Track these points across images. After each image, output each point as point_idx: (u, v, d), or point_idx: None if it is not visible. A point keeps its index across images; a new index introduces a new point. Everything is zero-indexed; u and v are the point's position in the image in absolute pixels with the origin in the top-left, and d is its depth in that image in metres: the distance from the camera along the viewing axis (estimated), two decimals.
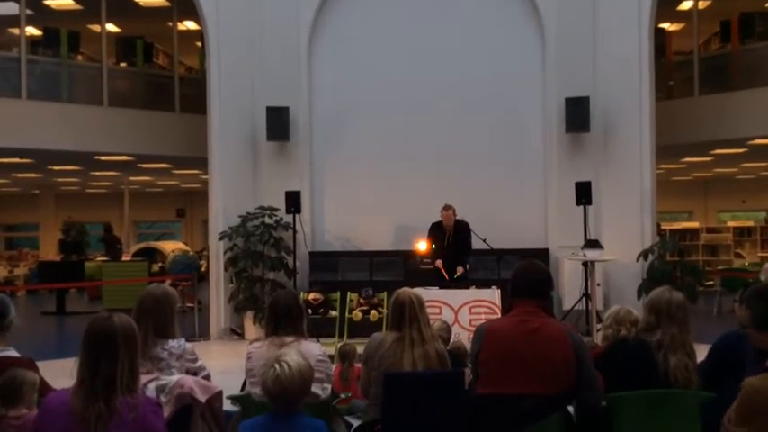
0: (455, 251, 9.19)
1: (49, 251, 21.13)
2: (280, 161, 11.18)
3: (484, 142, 11.06)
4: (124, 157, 14.80)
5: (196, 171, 17.98)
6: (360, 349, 4.95)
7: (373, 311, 8.57)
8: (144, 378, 3.45)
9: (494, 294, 8.47)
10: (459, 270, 9.03)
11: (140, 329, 3.20)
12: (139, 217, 26.34)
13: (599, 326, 7.99)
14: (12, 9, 13.21)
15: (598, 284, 9.80)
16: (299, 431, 2.90)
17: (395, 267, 10.77)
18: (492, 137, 11.06)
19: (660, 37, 13.08)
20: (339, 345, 7.13)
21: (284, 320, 4.11)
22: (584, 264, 9.68)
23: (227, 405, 3.99)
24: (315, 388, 3.99)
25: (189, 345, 3.98)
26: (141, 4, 14.65)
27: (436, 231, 9.31)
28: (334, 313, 8.78)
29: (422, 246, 10.50)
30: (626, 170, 10.62)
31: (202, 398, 3.67)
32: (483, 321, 4.58)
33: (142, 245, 19.50)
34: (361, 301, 8.76)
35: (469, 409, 3.77)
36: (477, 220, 9.42)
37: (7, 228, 28.62)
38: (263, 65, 11.13)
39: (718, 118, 12.34)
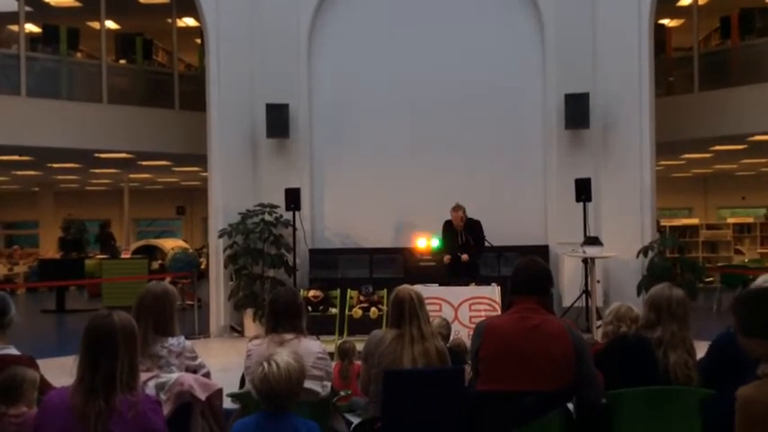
0: (468, 250, 9.11)
1: (49, 249, 21.13)
2: (279, 158, 11.18)
3: (484, 139, 11.05)
4: (124, 155, 14.78)
5: (196, 168, 17.97)
6: (360, 346, 4.95)
7: (373, 309, 8.58)
8: (144, 376, 3.45)
9: (494, 291, 8.48)
10: (464, 257, 8.98)
11: (140, 327, 3.20)
12: (139, 214, 26.33)
13: (599, 323, 8.00)
14: (11, 6, 13.19)
15: (598, 281, 9.80)
16: (291, 431, 2.89)
17: (395, 264, 10.77)
18: (492, 133, 11.06)
19: (660, 33, 13.07)
20: (339, 342, 7.13)
21: (283, 318, 4.11)
22: (584, 260, 9.68)
23: (227, 403, 3.98)
24: (315, 385, 3.99)
25: (189, 342, 3.98)
26: (141, 0, 14.64)
27: (449, 230, 9.27)
28: (334, 310, 8.78)
29: (421, 243, 10.52)
30: (626, 167, 10.62)
31: (202, 396, 3.67)
32: (483, 318, 4.57)
33: (142, 242, 19.49)
34: (361, 298, 8.76)
35: (469, 406, 3.77)
36: (477, 217, 9.41)
37: (7, 225, 28.62)
38: (262, 62, 11.12)
39: (717, 114, 12.33)
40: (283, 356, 2.84)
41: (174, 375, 3.72)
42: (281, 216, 10.68)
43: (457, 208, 9.16)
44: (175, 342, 3.88)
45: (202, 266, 15.99)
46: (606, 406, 3.75)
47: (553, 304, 9.91)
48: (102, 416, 2.70)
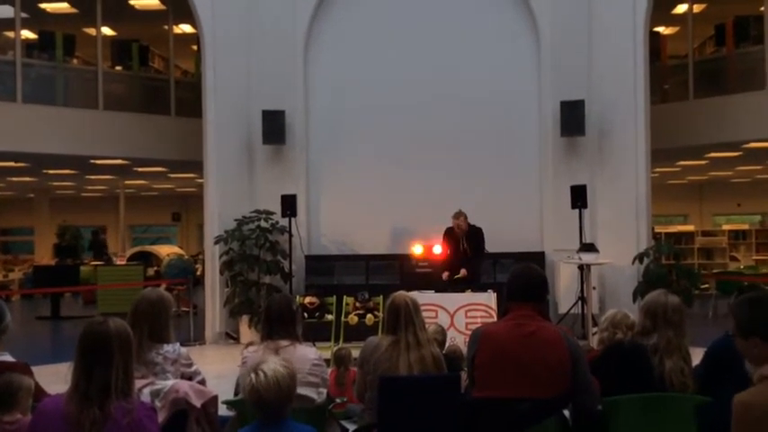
0: (468, 258, 9.08)
1: (44, 255, 21.08)
2: (275, 165, 11.18)
3: (480, 146, 11.07)
4: (119, 161, 14.77)
5: (192, 175, 17.95)
6: (356, 353, 4.94)
7: (369, 315, 8.57)
8: (139, 383, 3.44)
9: (490, 298, 8.47)
10: (463, 272, 8.97)
11: (135, 334, 3.19)
12: (135, 221, 26.31)
13: (595, 329, 8.00)
14: (7, 12, 13.18)
15: (594, 288, 9.80)
16: None
17: (391, 271, 10.76)
18: (488, 140, 11.07)
19: (655, 41, 13.13)
20: (335, 349, 7.12)
21: (278, 325, 4.10)
22: (580, 267, 9.69)
23: (223, 410, 3.97)
24: (310, 392, 3.99)
25: (184, 349, 3.97)
26: (137, 7, 14.64)
27: (450, 237, 9.25)
28: (329, 317, 8.77)
29: (418, 249, 10.52)
30: (621, 174, 10.64)
31: (197, 403, 3.65)
32: (479, 325, 4.57)
33: (137, 249, 19.46)
34: (357, 304, 8.75)
35: (466, 412, 3.77)
36: (473, 224, 9.41)
37: (2, 232, 28.55)
38: (258, 68, 11.13)
39: (712, 121, 12.37)
40: (270, 365, 2.81)
41: (170, 382, 3.70)
42: (277, 222, 10.67)
43: (457, 215, 9.12)
44: (171, 349, 3.87)
45: (198, 273, 15.96)
46: (602, 413, 3.75)
47: (549, 311, 9.93)
48: (97, 423, 2.69)
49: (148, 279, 14.52)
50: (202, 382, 3.94)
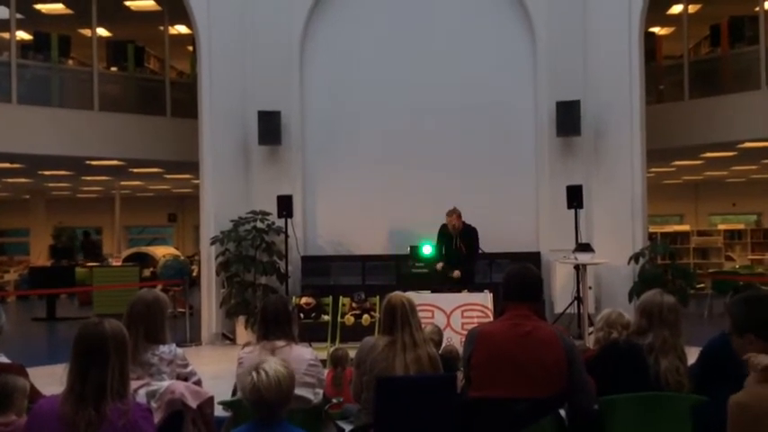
0: (461, 256, 9.08)
1: (40, 256, 21.03)
2: (271, 165, 11.17)
3: (476, 146, 11.08)
4: (115, 162, 14.74)
5: (187, 175, 17.93)
6: (352, 354, 4.94)
7: (365, 316, 8.56)
8: (134, 384, 3.44)
9: (486, 298, 8.47)
10: (456, 273, 8.98)
11: (131, 335, 3.19)
12: (131, 222, 26.24)
13: (591, 329, 8.01)
14: (2, 13, 13.15)
15: (590, 288, 9.82)
16: None
17: (387, 271, 10.75)
18: (484, 141, 11.08)
19: (650, 41, 13.15)
20: (331, 349, 7.12)
21: (273, 326, 4.11)
22: (576, 267, 9.70)
23: (219, 410, 3.97)
24: (307, 393, 3.99)
25: (180, 350, 3.97)
26: (132, 8, 14.62)
27: (444, 235, 9.25)
28: (326, 318, 8.76)
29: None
30: (617, 174, 10.66)
31: (193, 403, 3.65)
32: (475, 325, 4.57)
33: (133, 250, 19.41)
34: (354, 305, 8.74)
35: (462, 412, 3.77)
36: (470, 224, 9.41)
37: None
38: (254, 69, 11.12)
39: (708, 121, 12.40)
40: (271, 364, 2.83)
41: (165, 383, 3.70)
42: (273, 223, 10.66)
43: (451, 212, 9.11)
44: (166, 350, 3.87)
45: (194, 274, 15.94)
46: (598, 412, 3.76)
47: (545, 311, 9.94)
48: (93, 424, 2.69)
49: (144, 280, 14.50)
50: (198, 383, 3.94)
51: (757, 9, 12.50)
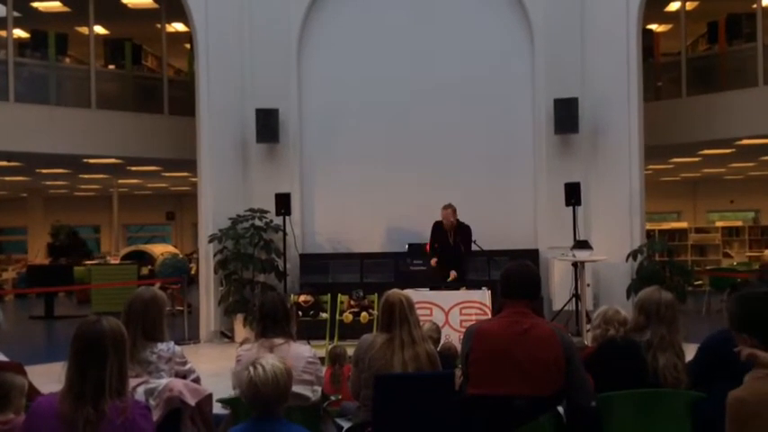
0: (456, 253, 9.11)
1: (37, 255, 21.02)
2: (269, 163, 11.16)
3: (473, 143, 11.08)
4: (113, 160, 14.73)
5: (185, 173, 17.92)
6: (351, 351, 4.94)
7: (364, 313, 8.56)
8: (133, 382, 3.44)
9: (484, 295, 8.47)
10: (453, 275, 8.97)
11: (129, 333, 3.19)
12: (129, 220, 26.23)
13: (589, 326, 8.02)
14: None
15: (588, 285, 9.83)
16: None
17: (385, 269, 10.76)
18: (481, 138, 11.09)
19: (648, 38, 13.15)
20: (330, 347, 7.12)
21: (272, 323, 4.11)
22: (574, 264, 9.71)
23: (217, 408, 3.97)
24: (305, 390, 3.99)
25: (178, 348, 3.97)
26: (129, 6, 14.60)
27: (437, 230, 9.25)
28: (324, 315, 8.76)
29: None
30: (615, 171, 10.67)
31: (192, 401, 3.65)
32: (473, 322, 4.58)
33: (131, 248, 19.41)
34: (352, 303, 8.74)
35: (460, 410, 3.77)
36: (468, 221, 9.41)
37: None
38: (252, 67, 11.11)
39: (705, 118, 12.41)
40: (269, 360, 2.84)
41: (164, 381, 3.70)
42: (272, 221, 10.66)
43: (446, 207, 9.10)
44: (165, 347, 3.87)
45: (192, 272, 15.94)
46: (596, 409, 3.76)
47: (543, 308, 9.95)
48: (91, 422, 2.69)
49: (142, 278, 14.50)
50: (197, 381, 3.94)
51: (755, 6, 12.51)
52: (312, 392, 4.04)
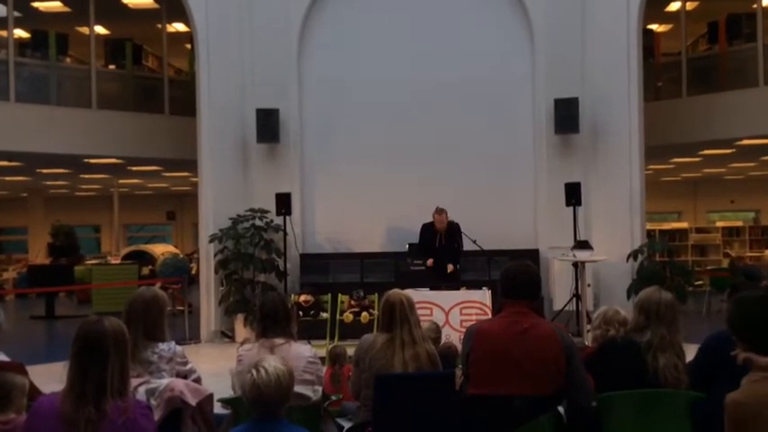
0: (447, 253, 9.23)
1: (38, 254, 21.02)
2: (270, 163, 11.17)
3: (474, 143, 11.09)
4: (113, 160, 14.74)
5: (186, 173, 17.93)
6: (351, 351, 4.94)
7: (364, 313, 8.56)
8: (134, 381, 3.44)
9: (484, 295, 8.48)
10: (450, 267, 9.06)
11: (130, 333, 3.19)
12: (129, 220, 26.23)
13: (589, 326, 8.02)
14: (0, 11, 13.13)
15: (588, 285, 9.83)
16: None
17: (386, 269, 10.77)
18: (482, 138, 11.09)
19: (648, 38, 13.16)
20: (330, 347, 7.12)
21: (272, 323, 4.11)
22: (575, 264, 9.71)
23: (218, 408, 3.98)
24: (306, 390, 3.99)
25: (179, 348, 3.97)
26: (130, 6, 14.60)
27: (427, 233, 9.34)
28: (325, 315, 8.76)
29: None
30: (615, 171, 10.67)
31: (193, 401, 3.66)
32: (474, 322, 4.58)
33: (132, 248, 19.42)
34: (352, 302, 8.74)
35: (460, 409, 3.78)
36: (468, 222, 9.44)
37: None
38: (252, 67, 11.11)
39: (706, 119, 12.41)
40: (271, 362, 2.84)
41: (165, 381, 3.71)
42: (272, 221, 10.67)
43: (440, 211, 9.26)
44: (166, 347, 3.87)
45: (193, 272, 15.94)
46: (596, 409, 3.76)
47: (543, 308, 9.95)
48: (93, 422, 2.69)
49: (143, 278, 14.51)
50: (198, 381, 3.95)
51: (755, 6, 12.52)
52: (313, 392, 4.05)
